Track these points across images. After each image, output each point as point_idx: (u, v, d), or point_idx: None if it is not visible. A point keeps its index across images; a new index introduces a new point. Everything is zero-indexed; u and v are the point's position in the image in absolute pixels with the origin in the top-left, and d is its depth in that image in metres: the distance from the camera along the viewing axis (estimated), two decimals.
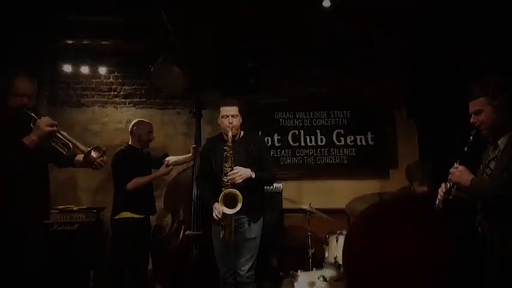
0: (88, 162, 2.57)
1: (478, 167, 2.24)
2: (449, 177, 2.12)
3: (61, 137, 2.52)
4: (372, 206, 3.28)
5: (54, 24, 3.76)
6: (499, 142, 2.11)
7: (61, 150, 2.56)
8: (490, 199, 2.06)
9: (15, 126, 2.46)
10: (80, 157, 2.67)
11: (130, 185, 3.55)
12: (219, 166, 3.00)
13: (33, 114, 2.47)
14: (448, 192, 2.13)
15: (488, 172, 2.13)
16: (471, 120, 2.15)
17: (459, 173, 2.07)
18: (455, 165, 2.10)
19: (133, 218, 3.56)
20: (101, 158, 2.56)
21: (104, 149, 2.61)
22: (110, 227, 3.73)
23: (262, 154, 3.16)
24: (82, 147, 2.53)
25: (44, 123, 2.42)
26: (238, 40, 4.19)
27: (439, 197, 2.17)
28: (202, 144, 3.69)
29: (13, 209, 2.42)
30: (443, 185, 2.16)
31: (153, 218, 3.89)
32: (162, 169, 3.79)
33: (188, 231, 3.63)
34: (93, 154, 2.53)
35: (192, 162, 3.88)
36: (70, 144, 2.53)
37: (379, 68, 4.58)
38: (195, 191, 3.68)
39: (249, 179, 2.93)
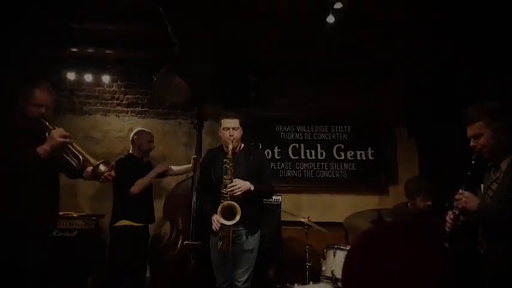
0: (95, 175, 2.61)
1: (478, 187, 2.24)
2: (455, 204, 2.10)
3: (72, 148, 2.58)
4: (374, 226, 3.29)
5: (58, 32, 3.81)
6: (501, 164, 2.10)
7: (71, 161, 2.61)
8: (496, 223, 2.03)
9: (30, 135, 2.52)
10: (89, 169, 2.70)
11: (134, 189, 3.58)
12: (219, 178, 3.02)
13: (48, 124, 2.53)
14: (456, 219, 2.12)
15: (490, 194, 2.12)
16: (471, 144, 2.13)
17: (465, 198, 2.06)
18: (460, 191, 2.09)
19: (132, 226, 3.58)
20: (108, 172, 2.60)
21: (113, 163, 2.67)
22: (108, 234, 3.75)
23: (262, 167, 3.18)
24: (92, 160, 2.58)
25: (58, 134, 2.49)
26: (240, 54, 4.24)
27: (448, 224, 2.15)
28: (202, 156, 3.71)
29: (22, 217, 2.46)
30: (450, 212, 2.15)
31: (151, 227, 3.90)
32: (159, 166, 3.83)
33: (186, 241, 3.64)
34: (101, 168, 2.57)
35: (192, 173, 3.90)
36: (80, 156, 2.59)
37: (380, 84, 4.63)
38: (194, 202, 3.69)
39: (248, 191, 2.96)
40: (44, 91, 2.57)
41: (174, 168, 4.07)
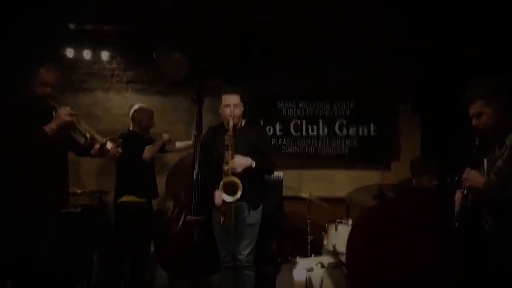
0: (103, 152, 2.64)
1: (481, 162, 2.21)
2: (462, 184, 2.09)
3: (79, 127, 2.60)
4: (378, 202, 3.29)
5: (56, 9, 3.76)
6: (506, 140, 2.07)
7: (79, 139, 2.62)
8: (499, 200, 2.02)
9: (38, 114, 2.55)
10: (97, 147, 2.73)
11: (146, 156, 3.64)
12: (220, 154, 3.03)
13: (55, 103, 2.55)
14: (465, 199, 2.12)
15: (495, 170, 2.10)
16: (473, 123, 2.11)
17: (471, 177, 2.05)
18: (467, 170, 2.08)
19: (136, 201, 3.62)
20: (115, 149, 2.62)
21: (120, 140, 2.69)
22: (112, 210, 3.79)
23: (262, 143, 3.19)
24: (99, 138, 2.61)
25: (64, 112, 2.51)
26: (240, 29, 4.17)
27: (457, 205, 2.16)
28: (203, 132, 3.71)
29: (32, 195, 2.50)
30: (458, 192, 2.15)
31: (154, 202, 3.93)
32: (164, 137, 3.90)
33: (189, 216, 3.67)
34: (109, 145, 2.60)
35: (193, 149, 3.91)
36: (87, 134, 2.61)
37: (382, 59, 4.56)
38: (196, 177, 3.71)
39: (249, 168, 2.97)
40: (50, 70, 2.59)
41: (176, 144, 4.09)
